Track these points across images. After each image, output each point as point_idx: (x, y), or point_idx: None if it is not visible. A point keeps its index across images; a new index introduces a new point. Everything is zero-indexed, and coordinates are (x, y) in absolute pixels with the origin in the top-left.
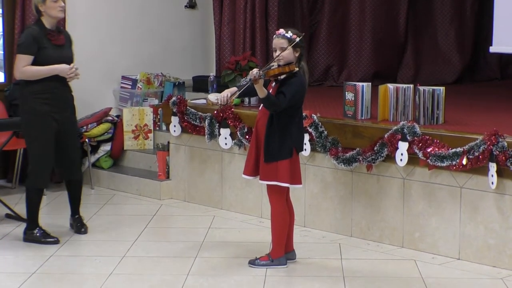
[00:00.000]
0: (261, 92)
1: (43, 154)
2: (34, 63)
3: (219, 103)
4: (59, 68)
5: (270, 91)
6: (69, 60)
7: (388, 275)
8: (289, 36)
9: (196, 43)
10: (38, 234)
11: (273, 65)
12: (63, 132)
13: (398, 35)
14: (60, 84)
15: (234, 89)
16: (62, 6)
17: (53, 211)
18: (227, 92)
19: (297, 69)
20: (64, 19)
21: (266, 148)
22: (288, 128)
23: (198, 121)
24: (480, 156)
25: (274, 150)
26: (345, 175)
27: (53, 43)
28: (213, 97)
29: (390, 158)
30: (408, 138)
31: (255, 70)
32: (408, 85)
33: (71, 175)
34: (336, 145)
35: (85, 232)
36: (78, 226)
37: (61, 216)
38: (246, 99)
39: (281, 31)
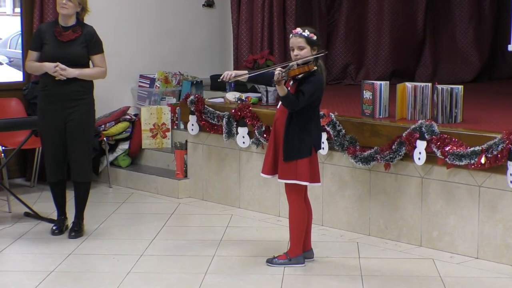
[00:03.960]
0: (282, 91)
1: (45, 149)
2: (40, 58)
3: (223, 78)
4: (46, 66)
5: (289, 89)
6: (70, 57)
7: (406, 274)
8: (306, 35)
9: (213, 41)
10: (53, 228)
11: (292, 65)
12: (67, 131)
13: (416, 34)
14: (56, 81)
15: (242, 72)
16: (63, 3)
17: (68, 210)
18: (233, 72)
19: (315, 68)
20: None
21: (285, 147)
22: (307, 126)
23: (216, 119)
24: (499, 155)
25: (293, 148)
26: (363, 173)
27: (58, 40)
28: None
29: (408, 156)
30: (426, 136)
31: (277, 71)
32: (426, 84)
33: (73, 176)
34: (354, 144)
35: (73, 237)
36: (70, 228)
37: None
38: (264, 98)
39: (298, 30)
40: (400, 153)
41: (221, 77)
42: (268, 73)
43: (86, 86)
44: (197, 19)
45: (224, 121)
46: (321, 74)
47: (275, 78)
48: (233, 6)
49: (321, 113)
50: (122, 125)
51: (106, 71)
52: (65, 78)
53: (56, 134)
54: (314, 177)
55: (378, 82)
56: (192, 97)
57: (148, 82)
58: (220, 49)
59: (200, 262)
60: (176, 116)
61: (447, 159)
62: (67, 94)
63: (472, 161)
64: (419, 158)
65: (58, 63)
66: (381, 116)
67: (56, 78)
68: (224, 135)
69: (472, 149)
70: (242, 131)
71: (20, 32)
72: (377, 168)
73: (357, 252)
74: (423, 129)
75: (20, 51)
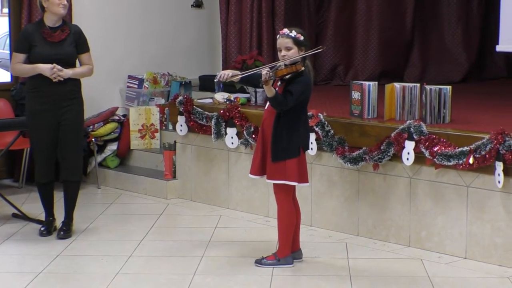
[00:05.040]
0: (270, 91)
1: (36, 150)
2: (28, 60)
3: (220, 79)
4: (41, 68)
5: (277, 90)
6: (62, 57)
7: (394, 274)
8: (293, 35)
9: (202, 42)
10: (41, 229)
11: (280, 65)
12: (60, 130)
13: (405, 34)
14: (50, 81)
15: (237, 72)
16: (65, 4)
17: (56, 211)
18: (230, 72)
19: (303, 68)
20: (70, 19)
21: (273, 147)
22: (295, 126)
23: (204, 120)
24: (487, 155)
25: (281, 149)
26: (352, 174)
27: (48, 41)
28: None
29: (397, 157)
30: (415, 137)
31: (265, 71)
32: (415, 84)
33: (65, 175)
34: (342, 144)
35: (62, 237)
36: (59, 228)
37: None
38: (253, 98)
39: (285, 30)
40: (388, 154)
41: (218, 77)
42: (257, 75)
43: (78, 85)
44: (185, 20)
45: (212, 122)
46: (309, 75)
47: (263, 78)
48: (221, 7)
49: (310, 113)
50: (110, 126)
51: (93, 69)
52: (62, 79)
53: (49, 134)
54: (303, 178)
55: (367, 83)
56: (180, 97)
57: (137, 83)
58: (209, 49)
59: (188, 263)
60: (165, 116)
61: (435, 159)
62: (62, 94)
63: (461, 162)
64: (407, 159)
65: (55, 64)
66: (369, 117)
67: (55, 80)
68: (212, 135)
69: (460, 149)
70: (231, 131)
71: (8, 33)
72: (366, 169)
73: (346, 252)
74: (411, 129)
75: (8, 52)
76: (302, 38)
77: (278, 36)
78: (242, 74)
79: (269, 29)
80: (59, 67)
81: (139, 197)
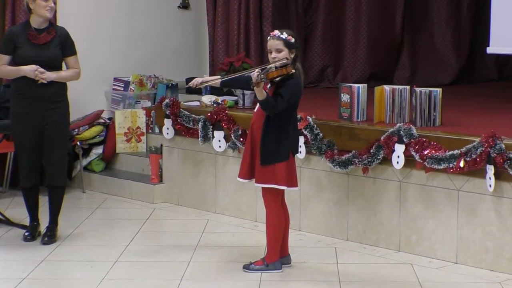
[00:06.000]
0: (260, 94)
1: (20, 153)
2: (13, 62)
3: (191, 85)
4: (24, 69)
5: (267, 92)
6: (47, 59)
7: (384, 279)
8: (284, 37)
9: (189, 44)
10: (25, 234)
11: (271, 68)
12: (45, 133)
13: (394, 36)
14: (34, 83)
15: (216, 77)
16: (52, 6)
17: (41, 215)
18: (201, 79)
19: (293, 71)
20: (55, 20)
21: (262, 150)
22: (284, 130)
23: (191, 123)
24: (478, 159)
25: (270, 152)
26: (341, 177)
27: (33, 42)
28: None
29: (387, 160)
30: (405, 140)
31: (255, 73)
32: (405, 87)
33: (49, 179)
34: (331, 148)
35: (47, 243)
36: (44, 233)
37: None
38: (241, 101)
39: (276, 32)
40: (378, 157)
41: (189, 83)
42: (244, 77)
43: (63, 88)
44: (172, 21)
45: (200, 125)
46: (299, 77)
47: (254, 80)
48: (208, 8)
49: (299, 116)
50: (96, 129)
51: (80, 72)
52: (46, 82)
53: (33, 138)
54: (292, 182)
55: (356, 85)
56: (167, 100)
57: (123, 85)
58: (196, 51)
59: (175, 268)
60: (151, 119)
61: (425, 162)
62: (46, 96)
63: (451, 165)
64: (397, 162)
65: (38, 66)
66: (359, 120)
67: (39, 82)
68: (200, 139)
69: (451, 152)
70: (218, 134)
71: None
72: (355, 172)
73: (335, 257)
74: (401, 132)
75: None
76: (293, 40)
77: (268, 38)
78: (222, 79)
79: (257, 30)
80: (41, 69)
81: (125, 201)
